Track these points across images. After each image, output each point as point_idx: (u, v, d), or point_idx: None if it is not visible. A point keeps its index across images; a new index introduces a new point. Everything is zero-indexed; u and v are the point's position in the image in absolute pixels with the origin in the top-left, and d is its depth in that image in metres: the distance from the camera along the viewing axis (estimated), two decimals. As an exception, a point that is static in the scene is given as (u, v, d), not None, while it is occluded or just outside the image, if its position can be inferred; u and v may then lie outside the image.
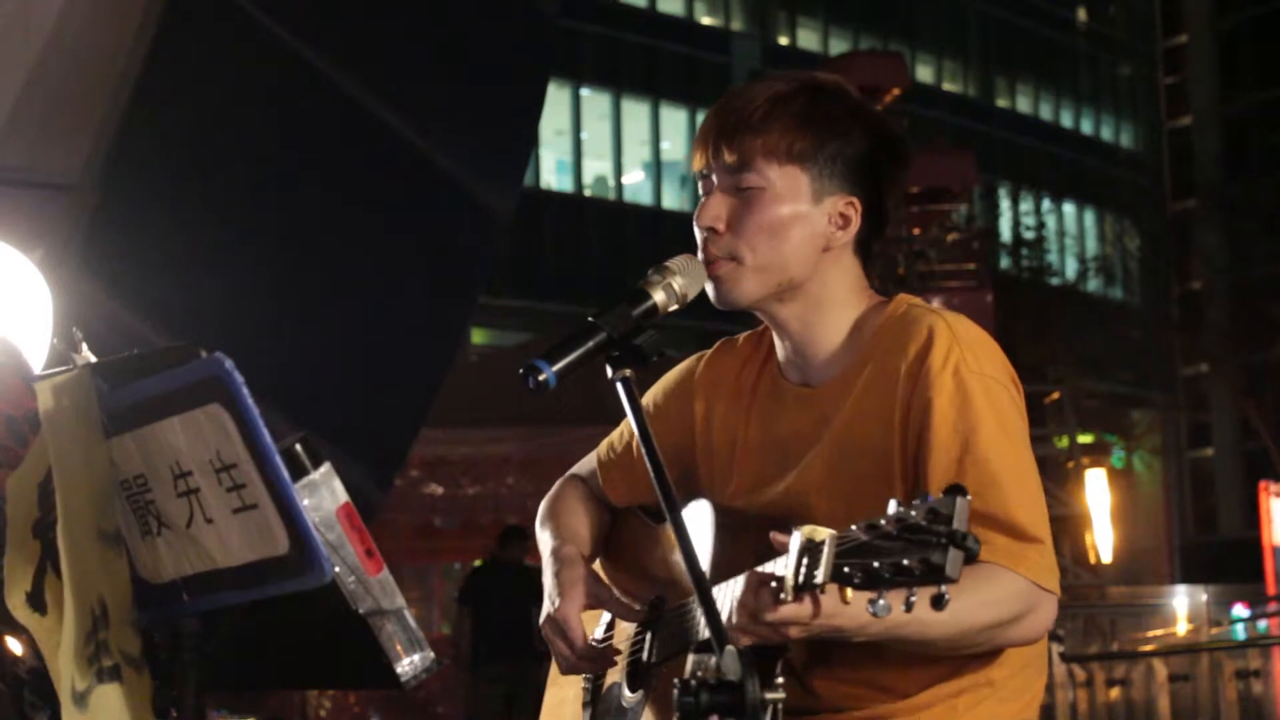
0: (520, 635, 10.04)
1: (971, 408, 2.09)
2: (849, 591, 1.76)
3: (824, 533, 1.77)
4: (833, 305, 2.24)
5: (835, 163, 2.19)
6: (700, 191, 2.26)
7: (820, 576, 1.76)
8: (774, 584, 1.85)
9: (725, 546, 2.19)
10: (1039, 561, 2.06)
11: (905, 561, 1.68)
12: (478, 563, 12.66)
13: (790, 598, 1.82)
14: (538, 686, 2.67)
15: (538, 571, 2.54)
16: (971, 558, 1.67)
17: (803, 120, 2.19)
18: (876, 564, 1.70)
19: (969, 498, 1.68)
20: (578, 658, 2.30)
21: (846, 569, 1.73)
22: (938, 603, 1.68)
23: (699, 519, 2.24)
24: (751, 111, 2.19)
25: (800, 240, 2.19)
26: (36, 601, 1.93)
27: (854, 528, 1.74)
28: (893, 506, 1.72)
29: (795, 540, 1.80)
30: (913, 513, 1.69)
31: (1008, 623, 2.05)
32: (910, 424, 2.12)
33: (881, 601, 1.71)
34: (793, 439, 2.24)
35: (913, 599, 1.70)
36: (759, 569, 1.94)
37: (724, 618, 2.02)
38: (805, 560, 1.79)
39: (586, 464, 2.58)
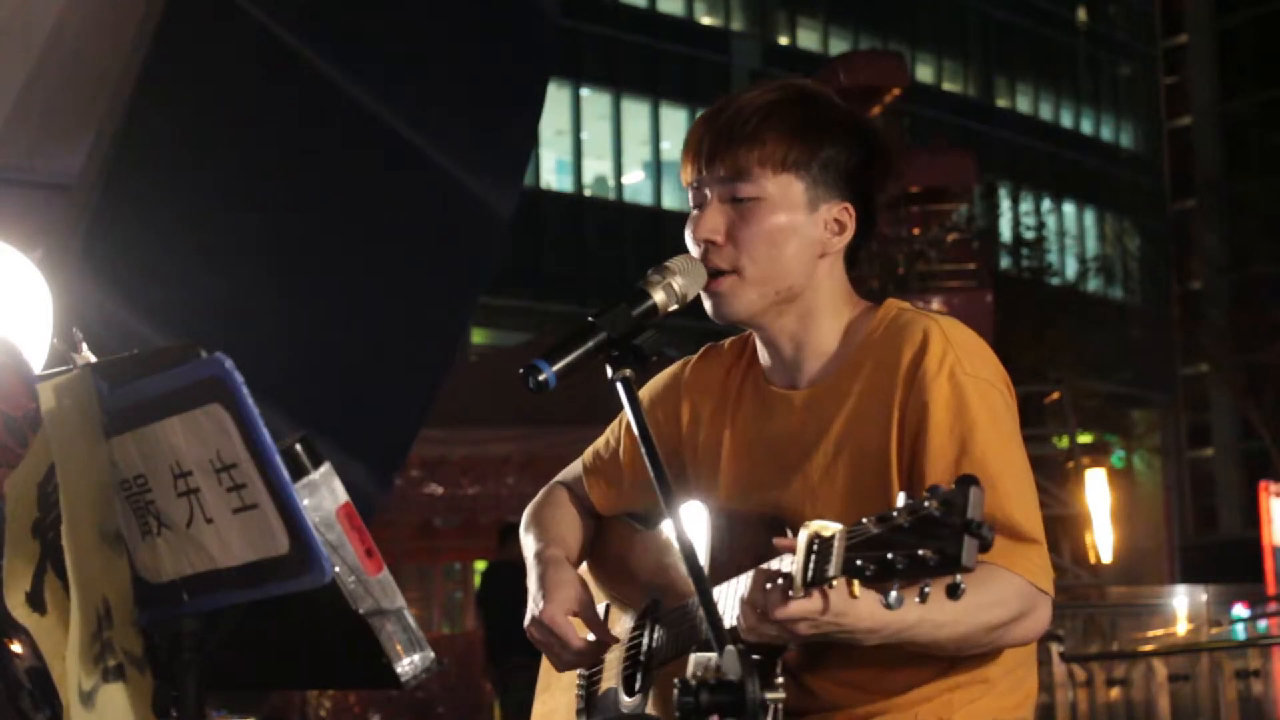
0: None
1: (967, 410, 2.10)
2: (857, 586, 1.76)
3: (832, 527, 1.77)
4: (823, 314, 2.25)
5: (829, 170, 2.20)
6: (691, 203, 2.26)
7: (832, 569, 1.76)
8: (781, 580, 1.86)
9: (721, 548, 2.19)
10: (1037, 562, 2.08)
11: (920, 552, 1.68)
12: (480, 564, 12.65)
13: (799, 593, 1.82)
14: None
15: None
16: (986, 547, 1.68)
17: (796, 128, 2.20)
18: (890, 555, 1.70)
19: (982, 488, 1.69)
20: (574, 653, 2.30)
21: (859, 562, 1.74)
22: (953, 592, 1.68)
23: (691, 521, 2.24)
24: (744, 122, 2.19)
25: (798, 248, 2.21)
26: (36, 601, 1.93)
27: (864, 521, 1.75)
28: (902, 499, 1.73)
29: (802, 536, 1.80)
30: (925, 504, 1.70)
31: (1009, 623, 2.06)
32: (907, 427, 2.13)
33: (894, 594, 1.71)
34: (785, 443, 2.25)
35: (926, 590, 1.70)
36: (766, 566, 1.94)
37: (725, 618, 2.02)
38: (814, 555, 1.79)
39: (572, 471, 2.58)
